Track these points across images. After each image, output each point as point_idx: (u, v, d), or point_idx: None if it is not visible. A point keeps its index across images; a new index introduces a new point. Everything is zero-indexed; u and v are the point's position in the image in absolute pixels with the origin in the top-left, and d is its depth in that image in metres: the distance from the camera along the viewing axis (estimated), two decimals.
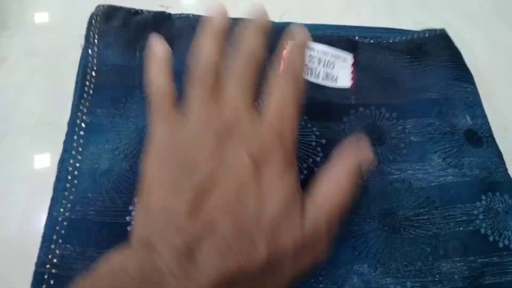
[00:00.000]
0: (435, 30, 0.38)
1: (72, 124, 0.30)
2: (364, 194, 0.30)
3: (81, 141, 0.30)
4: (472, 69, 0.36)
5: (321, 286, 0.27)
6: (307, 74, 0.35)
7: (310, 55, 0.35)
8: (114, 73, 0.32)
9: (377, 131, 0.33)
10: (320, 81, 0.35)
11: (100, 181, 0.28)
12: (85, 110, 0.31)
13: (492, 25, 0.44)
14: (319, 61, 0.36)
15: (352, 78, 0.35)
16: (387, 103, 0.34)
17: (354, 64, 0.36)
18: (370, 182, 0.31)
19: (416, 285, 0.28)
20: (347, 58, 0.36)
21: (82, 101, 0.31)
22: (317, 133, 0.32)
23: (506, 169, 0.32)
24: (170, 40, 0.33)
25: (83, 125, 0.30)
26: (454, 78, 0.35)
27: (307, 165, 0.31)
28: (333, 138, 0.32)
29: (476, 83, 0.36)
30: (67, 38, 0.35)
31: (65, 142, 0.30)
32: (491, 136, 0.33)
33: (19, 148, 0.31)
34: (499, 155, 0.32)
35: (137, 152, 0.29)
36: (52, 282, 0.26)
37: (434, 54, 0.36)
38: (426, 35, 0.37)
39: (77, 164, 0.29)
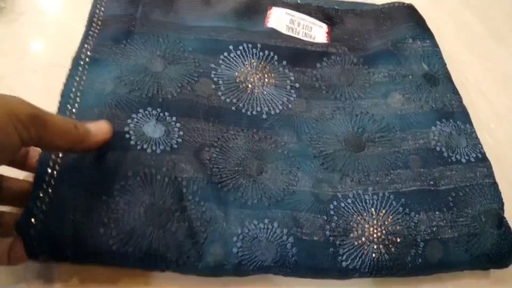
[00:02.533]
0: (403, 3, 0.44)
1: (77, 58, 0.33)
2: (331, 123, 0.35)
3: (85, 71, 0.33)
4: (439, 43, 0.42)
5: (294, 188, 0.31)
6: (288, 31, 0.40)
7: (291, 19, 0.41)
8: (117, 21, 0.36)
9: (346, 74, 0.38)
10: (300, 37, 0.40)
11: (105, 99, 0.31)
12: (89, 48, 0.34)
13: (455, 7, 0.52)
14: (299, 24, 0.41)
15: (328, 39, 0.41)
16: (355, 52, 0.39)
17: (328, 32, 0.41)
18: (336, 115, 0.35)
19: (376, 188, 0.31)
20: (323, 26, 0.42)
21: (87, 41, 0.34)
22: (292, 78, 0.37)
23: (460, 102, 0.37)
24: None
25: (87, 59, 0.33)
26: (412, 36, 0.41)
27: (281, 102, 0.35)
28: (306, 82, 0.37)
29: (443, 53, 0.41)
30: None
31: (70, 71, 0.32)
32: (447, 77, 0.38)
33: (32, 82, 0.36)
34: (454, 90, 0.37)
35: (137, 82, 0.33)
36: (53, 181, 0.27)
37: (398, 19, 0.42)
38: (395, 5, 0.44)
39: (81, 87, 0.32)
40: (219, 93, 0.34)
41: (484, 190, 0.32)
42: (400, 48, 0.39)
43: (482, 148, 0.34)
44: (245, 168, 0.31)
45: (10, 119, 0.21)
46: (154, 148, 0.30)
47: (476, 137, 0.35)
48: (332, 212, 0.30)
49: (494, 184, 0.32)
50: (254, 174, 0.31)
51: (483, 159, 0.34)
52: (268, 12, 0.41)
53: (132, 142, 0.30)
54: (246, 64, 0.36)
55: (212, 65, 0.35)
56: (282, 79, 0.36)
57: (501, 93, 0.45)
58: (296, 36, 0.40)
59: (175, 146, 0.31)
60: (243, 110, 0.34)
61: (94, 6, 0.37)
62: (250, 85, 0.35)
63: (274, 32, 0.39)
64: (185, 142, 0.31)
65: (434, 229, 0.30)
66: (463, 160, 0.33)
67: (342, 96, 0.36)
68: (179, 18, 0.38)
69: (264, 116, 0.34)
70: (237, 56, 0.36)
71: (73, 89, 0.31)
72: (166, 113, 0.32)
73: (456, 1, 0.52)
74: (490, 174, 0.33)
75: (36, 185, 0.26)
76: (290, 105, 0.35)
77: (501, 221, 0.31)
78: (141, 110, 0.31)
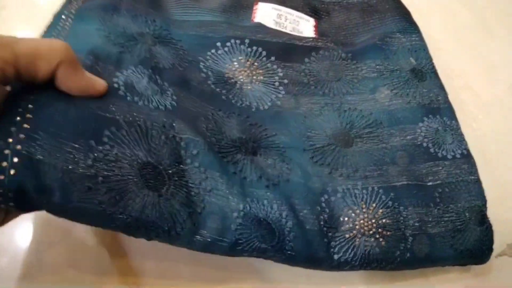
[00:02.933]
0: None
1: (59, 13, 0.30)
2: (319, 119, 0.35)
3: (68, 23, 0.30)
4: (424, 31, 0.42)
5: (289, 177, 0.30)
6: (276, 26, 0.39)
7: (278, 13, 0.41)
8: None
9: (334, 70, 0.38)
10: (288, 31, 0.39)
11: (91, 49, 0.27)
12: (72, 11, 0.31)
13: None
14: (286, 18, 0.41)
15: (315, 33, 0.40)
16: (343, 47, 0.39)
17: (315, 26, 0.41)
18: (324, 111, 0.35)
19: (366, 183, 0.31)
20: (310, 20, 0.42)
21: (70, 4, 0.32)
22: (280, 74, 0.36)
23: (446, 97, 0.37)
24: None
25: (71, 16, 0.30)
26: (399, 30, 0.41)
27: (270, 99, 0.35)
28: (294, 78, 0.37)
29: (427, 41, 0.41)
30: None
31: (50, 23, 0.30)
32: (434, 72, 0.38)
33: None
34: (441, 86, 0.37)
35: (127, 46, 0.30)
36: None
37: (384, 12, 0.42)
38: None
39: (62, 37, 0.29)
40: (209, 81, 0.34)
41: (468, 187, 0.33)
42: (388, 43, 0.39)
43: (466, 145, 0.35)
44: (241, 145, 0.30)
45: None
46: (146, 103, 0.27)
47: (461, 134, 0.35)
48: (324, 205, 0.30)
49: (478, 181, 0.33)
50: (250, 154, 0.30)
51: (468, 156, 0.34)
52: (255, 8, 0.40)
53: (121, 93, 0.26)
54: (234, 61, 0.35)
55: (200, 58, 0.35)
56: (270, 76, 0.36)
57: (487, 84, 0.46)
58: (283, 30, 0.39)
59: (170, 108, 0.28)
60: (233, 101, 0.34)
61: None
62: (238, 82, 0.35)
63: (262, 27, 0.38)
64: (180, 107, 0.29)
65: (421, 224, 0.30)
66: (449, 156, 0.34)
67: (331, 91, 0.36)
68: (165, 12, 0.38)
69: (254, 110, 0.34)
70: (224, 53, 0.35)
71: (54, 36, 0.29)
72: (158, 77, 0.30)
73: None
74: (474, 171, 0.33)
75: (7, 118, 0.21)
76: (278, 102, 0.35)
77: (484, 218, 0.32)
78: (131, 67, 0.28)
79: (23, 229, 0.29)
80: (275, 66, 0.37)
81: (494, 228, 0.32)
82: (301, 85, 0.36)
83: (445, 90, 0.37)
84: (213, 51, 0.35)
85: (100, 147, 0.23)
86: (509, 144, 0.41)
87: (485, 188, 0.33)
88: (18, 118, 0.21)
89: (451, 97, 0.37)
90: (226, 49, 0.35)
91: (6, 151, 0.20)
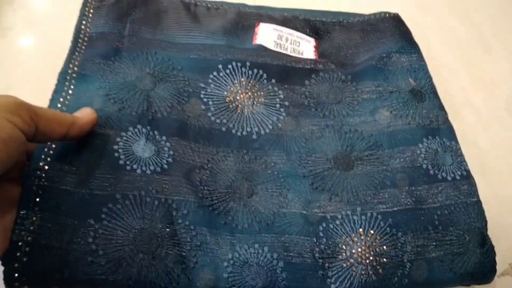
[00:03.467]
0: (389, 13, 0.44)
1: (63, 73, 0.32)
2: (320, 142, 0.35)
3: (72, 86, 0.32)
4: (424, 48, 0.42)
5: (284, 211, 0.31)
6: (277, 48, 0.40)
7: (278, 35, 0.41)
8: (104, 38, 0.36)
9: (334, 92, 0.38)
10: (288, 53, 0.40)
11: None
12: (76, 63, 0.33)
13: (442, 13, 0.52)
14: (286, 39, 0.41)
15: (315, 54, 0.41)
16: (343, 69, 0.40)
17: (316, 46, 0.42)
18: (325, 133, 0.36)
19: (365, 208, 0.32)
20: (310, 40, 0.42)
21: (74, 57, 0.34)
22: (281, 96, 0.37)
23: (446, 118, 0.37)
24: (158, 16, 0.39)
25: (74, 74, 0.33)
26: (398, 50, 0.41)
27: (271, 122, 0.35)
28: (295, 100, 0.37)
29: (427, 57, 0.42)
30: (66, 12, 0.38)
31: (56, 86, 0.32)
32: (433, 93, 0.38)
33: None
34: (440, 107, 0.38)
35: (126, 100, 0.32)
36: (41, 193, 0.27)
37: (384, 31, 0.43)
38: (381, 16, 0.44)
39: (67, 102, 0.31)
40: (209, 113, 0.34)
41: (468, 209, 0.33)
42: (387, 63, 0.40)
43: (466, 165, 0.35)
44: (235, 190, 0.32)
45: (2, 113, 0.23)
46: (144, 168, 0.30)
47: (461, 154, 0.35)
48: (321, 234, 0.30)
49: (478, 203, 0.33)
50: (245, 196, 0.31)
51: (468, 177, 0.34)
52: (256, 29, 0.41)
53: (121, 162, 0.30)
54: (236, 83, 0.36)
55: (202, 85, 0.35)
56: (272, 97, 0.37)
57: (487, 100, 0.46)
58: (284, 52, 0.40)
59: (166, 166, 0.31)
60: (233, 131, 0.34)
61: (79, 23, 0.36)
62: (239, 105, 0.35)
63: (263, 49, 0.39)
64: (176, 163, 0.31)
65: (420, 249, 0.31)
66: (449, 178, 0.34)
67: (331, 113, 0.37)
68: (167, 36, 0.38)
69: (254, 137, 0.34)
70: (226, 75, 0.36)
71: (59, 105, 0.31)
72: (156, 132, 0.32)
73: (442, 6, 0.53)
74: (474, 192, 0.34)
75: (20, 214, 0.26)
76: (279, 124, 0.35)
77: (484, 239, 0.32)
78: (130, 128, 0.31)
79: None
80: (276, 88, 0.37)
81: (495, 246, 0.32)
82: (302, 107, 0.37)
83: (445, 110, 0.38)
84: (215, 73, 0.36)
85: (99, 224, 0.27)
86: (509, 160, 0.42)
87: (485, 205, 0.33)
88: (28, 211, 0.26)
89: (451, 113, 0.38)
90: (227, 71, 0.36)
91: (20, 243, 0.25)
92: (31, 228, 0.25)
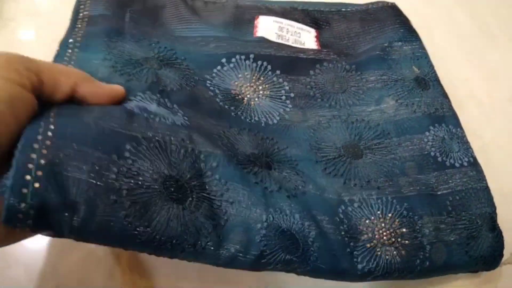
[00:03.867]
0: (387, 3, 0.44)
1: (65, 41, 0.30)
2: (328, 132, 0.35)
3: (75, 54, 0.30)
4: (428, 39, 0.42)
5: (304, 189, 0.30)
6: (278, 39, 0.40)
7: (279, 26, 0.41)
8: (105, 19, 0.34)
9: (339, 82, 0.38)
10: (290, 44, 0.40)
11: None
12: (79, 35, 0.31)
13: (446, 4, 0.53)
14: (287, 30, 0.41)
15: (317, 44, 0.41)
16: (346, 59, 0.39)
17: (317, 36, 0.42)
18: (332, 123, 0.35)
19: (379, 193, 0.32)
20: (311, 31, 0.42)
21: (75, 31, 0.32)
22: (287, 87, 0.37)
23: (450, 105, 0.37)
24: (156, 10, 0.39)
25: (77, 44, 0.30)
26: (400, 39, 0.41)
27: (278, 113, 0.35)
28: (301, 91, 0.37)
29: (430, 49, 0.42)
30: (69, 2, 0.37)
31: (57, 52, 0.30)
32: (436, 80, 0.39)
33: None
34: (444, 94, 0.38)
35: (133, 74, 0.30)
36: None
37: (384, 21, 0.43)
38: (379, 6, 0.44)
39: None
40: (217, 99, 0.34)
41: (478, 194, 0.33)
42: (390, 52, 0.40)
43: (473, 152, 0.35)
44: (255, 160, 0.30)
45: (6, 72, 0.20)
46: (163, 120, 0.27)
47: (467, 141, 0.36)
48: (342, 216, 0.30)
49: (487, 188, 0.34)
50: (265, 167, 0.30)
51: (475, 163, 0.35)
52: (256, 22, 0.41)
53: (136, 111, 0.26)
54: (240, 77, 0.36)
55: (207, 76, 0.35)
56: (277, 90, 0.36)
57: (491, 92, 0.46)
58: (286, 43, 0.40)
59: (185, 124, 0.28)
60: (242, 117, 0.34)
61: (77, 7, 0.35)
62: (245, 98, 0.35)
63: (265, 41, 0.38)
64: (193, 125, 0.29)
65: (437, 232, 0.31)
66: (457, 165, 0.34)
67: (337, 103, 0.37)
68: (167, 29, 0.38)
69: (263, 125, 0.34)
70: (230, 69, 0.36)
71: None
72: (167, 100, 0.29)
73: None
74: (482, 178, 0.34)
75: (30, 133, 0.21)
76: (286, 116, 0.35)
77: (494, 224, 0.32)
78: (139, 93, 0.28)
79: (38, 239, 0.30)
80: (281, 80, 0.37)
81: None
82: (308, 98, 0.37)
83: (448, 98, 0.38)
84: (218, 67, 0.35)
85: (122, 161, 0.23)
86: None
87: None
88: (40, 134, 0.21)
89: (455, 105, 0.38)
90: (231, 65, 0.36)
91: (30, 165, 0.20)
92: (43, 151, 0.20)
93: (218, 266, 0.25)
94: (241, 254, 0.25)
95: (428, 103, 0.37)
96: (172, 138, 0.26)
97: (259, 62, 0.36)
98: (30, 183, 0.19)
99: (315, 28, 0.42)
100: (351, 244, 0.29)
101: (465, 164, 0.34)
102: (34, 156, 0.20)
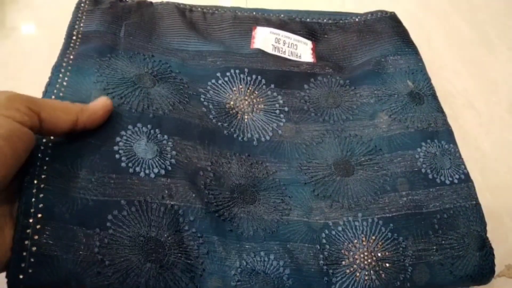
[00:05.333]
0: (386, 12, 0.44)
1: (57, 66, 0.31)
2: (320, 147, 0.35)
3: (67, 78, 0.31)
4: (426, 48, 0.42)
5: (287, 218, 0.31)
6: (275, 51, 0.40)
7: (276, 38, 0.41)
8: (99, 36, 0.35)
9: (333, 96, 0.38)
10: (286, 56, 0.40)
11: None
12: (71, 57, 0.32)
13: (444, 12, 0.52)
14: (284, 42, 0.41)
15: (313, 56, 0.41)
16: (341, 73, 0.40)
17: (313, 49, 0.42)
18: (326, 138, 0.36)
19: (366, 214, 0.32)
20: (307, 43, 0.42)
21: (68, 52, 0.32)
22: (281, 101, 0.37)
23: (444, 120, 0.37)
24: (153, 22, 0.39)
25: (69, 67, 0.31)
26: (396, 52, 0.41)
27: (271, 129, 0.36)
28: (295, 105, 0.37)
29: (429, 58, 0.42)
30: (71, 12, 0.37)
31: (49, 79, 0.31)
32: (432, 95, 0.39)
33: None
34: (439, 109, 0.38)
35: (125, 96, 0.31)
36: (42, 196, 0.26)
37: (381, 33, 0.42)
38: (378, 16, 0.44)
39: (61, 95, 0.30)
40: (210, 116, 0.34)
41: (467, 213, 0.33)
42: (385, 66, 0.40)
43: (465, 168, 0.35)
44: (239, 195, 0.32)
45: (6, 110, 0.22)
46: (147, 171, 0.29)
47: (460, 157, 0.36)
48: (324, 241, 0.31)
49: (477, 206, 0.33)
50: (248, 203, 0.31)
51: (466, 180, 0.34)
52: (253, 33, 0.41)
53: (123, 164, 0.29)
54: (235, 90, 0.36)
55: (201, 90, 0.35)
56: (271, 103, 0.37)
57: (489, 102, 0.46)
58: (282, 55, 0.40)
59: (169, 168, 0.30)
60: (235, 136, 0.34)
61: (72, 23, 0.36)
62: (239, 112, 0.35)
63: (261, 54, 0.39)
64: (179, 164, 0.30)
65: (421, 253, 0.31)
66: (447, 182, 0.34)
67: (331, 118, 0.37)
68: (163, 42, 0.38)
69: (255, 143, 0.34)
70: (225, 83, 0.36)
71: (53, 97, 0.30)
72: (157, 130, 0.31)
73: (445, 5, 0.53)
74: (473, 196, 0.34)
75: (21, 224, 0.24)
76: (280, 131, 0.35)
77: (484, 242, 0.32)
78: (130, 127, 0.30)
79: None
80: (275, 94, 0.37)
81: (493, 248, 0.32)
82: (302, 112, 0.37)
83: (443, 112, 0.38)
84: (213, 81, 0.36)
85: (104, 233, 0.26)
86: (509, 163, 0.41)
87: (485, 207, 0.34)
88: (31, 220, 0.25)
89: (452, 115, 0.38)
90: (226, 79, 0.36)
91: (24, 253, 0.24)
92: (35, 237, 0.24)
93: None
94: None
95: (421, 118, 0.37)
96: (153, 197, 0.29)
97: (254, 76, 0.37)
98: (25, 269, 0.24)
99: (311, 40, 0.42)
100: (330, 271, 0.30)
101: (456, 181, 0.34)
102: (27, 242, 0.24)
